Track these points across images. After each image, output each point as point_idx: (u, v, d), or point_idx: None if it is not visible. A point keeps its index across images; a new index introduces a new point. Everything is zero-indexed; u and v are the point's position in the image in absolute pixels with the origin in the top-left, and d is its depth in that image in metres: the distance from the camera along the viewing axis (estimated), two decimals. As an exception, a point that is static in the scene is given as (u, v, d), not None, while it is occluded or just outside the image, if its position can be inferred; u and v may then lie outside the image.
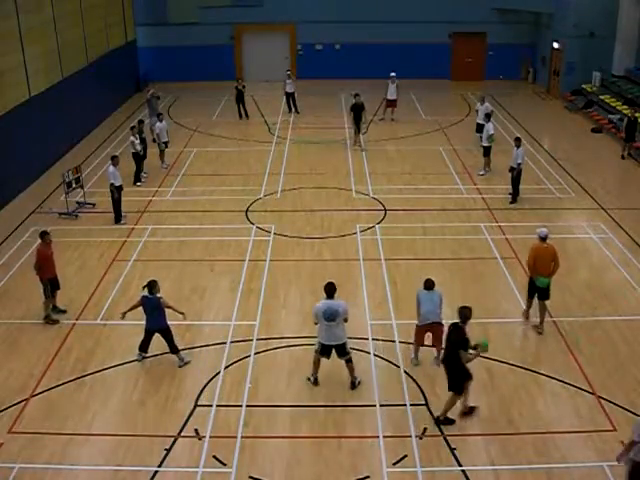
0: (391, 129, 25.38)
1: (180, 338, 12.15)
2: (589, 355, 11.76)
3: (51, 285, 12.96)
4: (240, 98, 26.65)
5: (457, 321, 9.94)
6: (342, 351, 10.77)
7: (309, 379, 11.08)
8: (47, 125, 21.20)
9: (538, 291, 12.23)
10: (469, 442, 9.79)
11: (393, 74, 25.82)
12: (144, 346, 11.62)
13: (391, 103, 26.09)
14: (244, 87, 26.78)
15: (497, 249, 15.63)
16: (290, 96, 27.40)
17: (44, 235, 12.97)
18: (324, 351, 10.79)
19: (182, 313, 11.46)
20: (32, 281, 13.97)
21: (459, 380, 9.89)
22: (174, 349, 11.51)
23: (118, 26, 29.80)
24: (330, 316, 10.44)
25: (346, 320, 10.72)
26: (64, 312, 13.21)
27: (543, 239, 12.15)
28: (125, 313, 11.58)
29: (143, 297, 11.33)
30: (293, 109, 27.50)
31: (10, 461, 9.47)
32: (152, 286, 11.23)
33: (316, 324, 10.74)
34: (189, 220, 17.51)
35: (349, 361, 10.89)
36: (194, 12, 32.42)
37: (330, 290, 10.58)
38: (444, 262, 15.03)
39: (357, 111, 22.38)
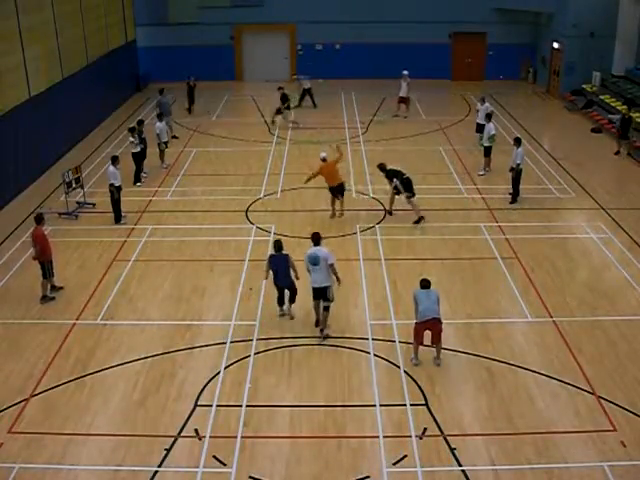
0: (391, 129, 25.36)
1: (180, 338, 12.18)
2: (589, 355, 11.77)
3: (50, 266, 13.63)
4: (190, 93, 27.65)
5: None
6: (324, 294, 11.94)
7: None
8: (47, 125, 21.19)
9: (338, 190, 17.01)
10: (469, 442, 9.79)
11: (405, 72, 26.19)
12: (280, 301, 12.75)
13: (403, 100, 26.74)
14: (194, 85, 27.74)
15: (497, 249, 15.63)
16: (307, 92, 28.54)
17: (41, 219, 13.64)
18: (316, 295, 12.05)
19: (297, 278, 12.50)
20: (32, 281, 14.05)
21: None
22: (292, 301, 12.69)
23: (118, 26, 29.79)
24: (313, 260, 11.87)
25: (333, 267, 11.90)
26: (61, 288, 13.89)
27: (324, 160, 17.04)
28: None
29: (270, 255, 12.45)
30: (311, 104, 28.61)
31: (10, 461, 9.47)
32: (278, 245, 12.36)
33: (308, 271, 11.99)
34: (189, 220, 17.50)
35: (327, 309, 12.03)
36: (194, 12, 32.40)
37: (315, 239, 12.13)
38: (444, 262, 15.03)
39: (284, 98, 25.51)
